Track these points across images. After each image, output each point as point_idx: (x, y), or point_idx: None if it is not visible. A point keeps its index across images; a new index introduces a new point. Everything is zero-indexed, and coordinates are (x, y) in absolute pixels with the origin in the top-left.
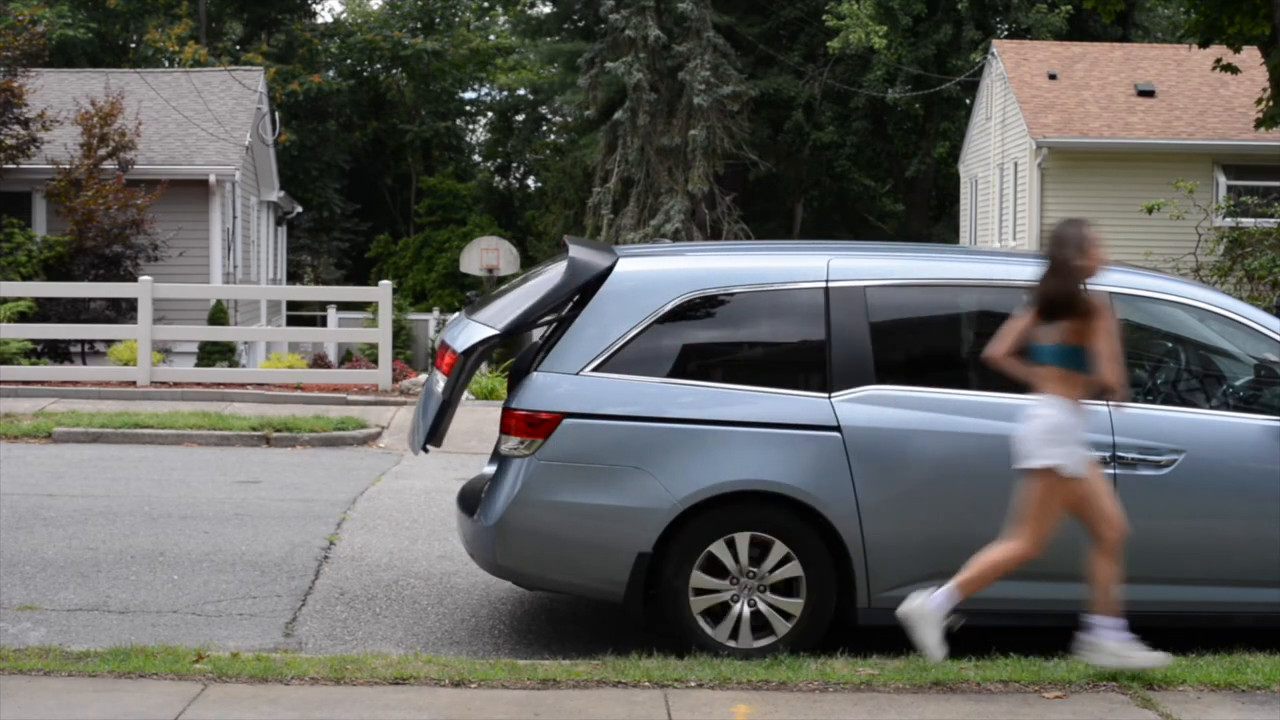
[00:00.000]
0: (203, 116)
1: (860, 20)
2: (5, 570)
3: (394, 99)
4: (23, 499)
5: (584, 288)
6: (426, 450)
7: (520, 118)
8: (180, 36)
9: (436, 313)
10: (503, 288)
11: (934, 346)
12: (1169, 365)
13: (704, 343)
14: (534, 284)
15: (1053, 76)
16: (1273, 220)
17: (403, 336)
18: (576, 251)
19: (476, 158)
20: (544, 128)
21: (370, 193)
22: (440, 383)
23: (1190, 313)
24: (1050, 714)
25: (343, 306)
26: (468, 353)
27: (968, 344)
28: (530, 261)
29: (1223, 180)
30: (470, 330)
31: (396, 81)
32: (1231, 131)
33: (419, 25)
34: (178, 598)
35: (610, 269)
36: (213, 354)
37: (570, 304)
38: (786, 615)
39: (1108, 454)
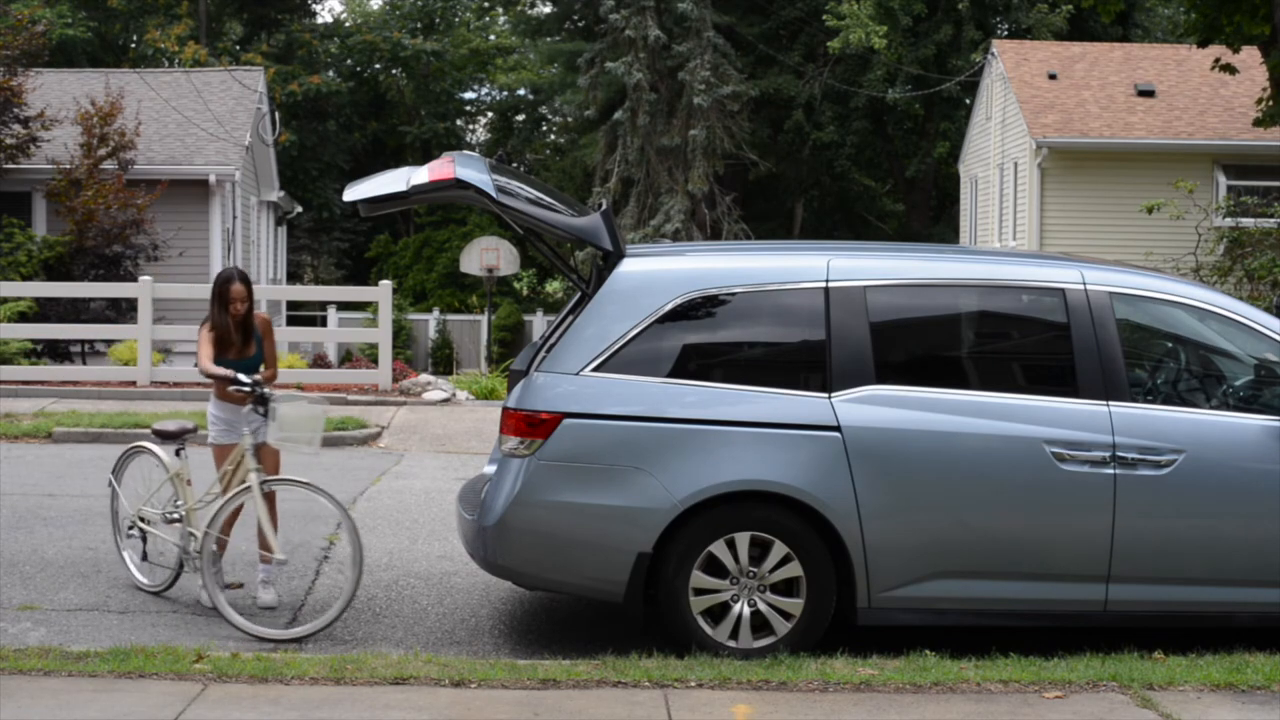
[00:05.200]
0: (203, 116)
1: (860, 20)
2: (5, 570)
3: (394, 99)
4: (23, 499)
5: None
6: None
7: (520, 118)
8: (180, 36)
9: (436, 313)
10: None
11: (934, 346)
12: (1169, 365)
13: (704, 343)
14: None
15: (1053, 76)
16: (1273, 220)
17: (403, 336)
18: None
19: None
20: (544, 128)
21: None
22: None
23: (1190, 313)
24: (1050, 714)
25: (343, 306)
26: None
27: (967, 344)
28: (529, 262)
29: (1223, 180)
30: None
31: (396, 82)
32: (1231, 131)
33: (419, 25)
34: (178, 598)
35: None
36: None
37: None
38: (786, 615)
39: (1108, 454)
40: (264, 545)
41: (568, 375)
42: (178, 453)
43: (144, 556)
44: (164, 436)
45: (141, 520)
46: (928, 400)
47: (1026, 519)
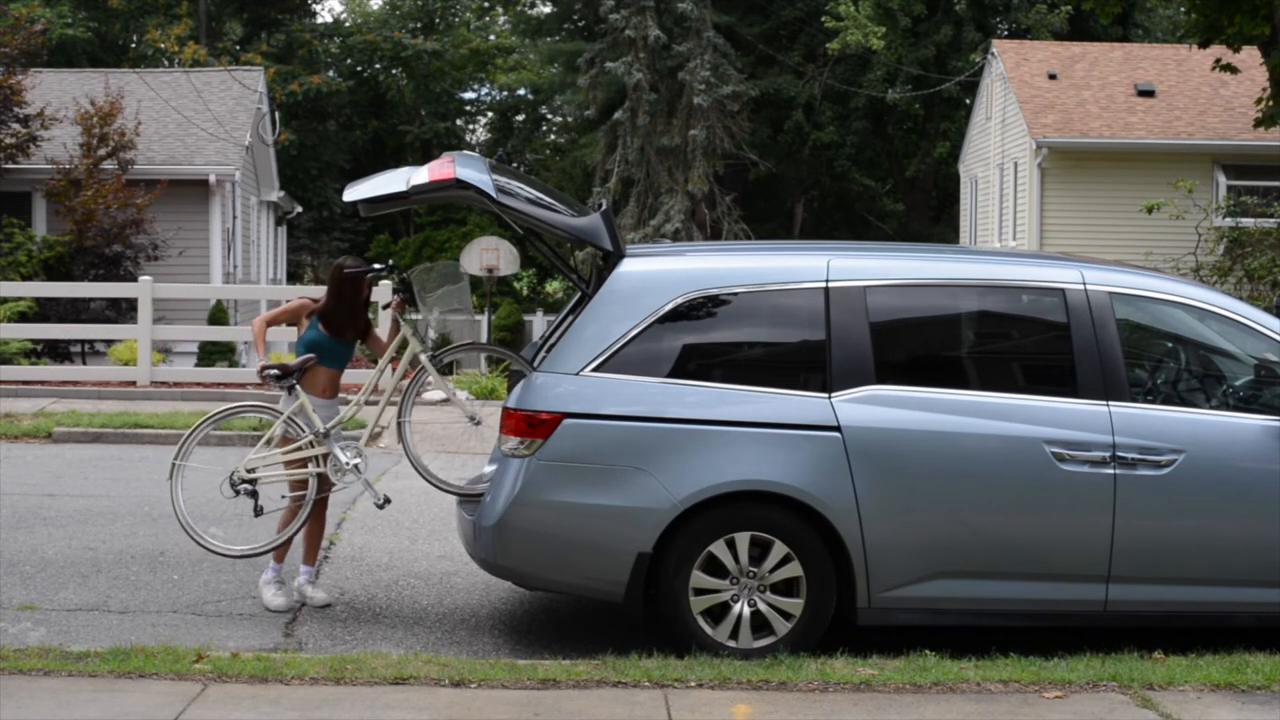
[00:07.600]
0: (203, 116)
1: (859, 21)
2: (5, 570)
3: (394, 99)
4: (23, 499)
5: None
6: None
7: (520, 118)
8: (180, 36)
9: (436, 312)
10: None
11: (934, 346)
12: (1169, 365)
13: (704, 343)
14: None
15: (1053, 76)
16: (1273, 220)
17: None
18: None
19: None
20: (544, 128)
21: None
22: None
23: (1190, 313)
24: (1050, 714)
25: None
26: None
27: (967, 344)
28: (529, 262)
29: (1223, 180)
30: None
31: (396, 81)
32: (1231, 131)
33: (419, 25)
34: (178, 598)
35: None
36: (213, 354)
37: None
38: (786, 615)
39: (1108, 454)
40: (309, 550)
41: (568, 375)
42: (290, 390)
43: (257, 512)
44: (284, 371)
45: (249, 470)
46: (928, 400)
47: (1026, 519)
